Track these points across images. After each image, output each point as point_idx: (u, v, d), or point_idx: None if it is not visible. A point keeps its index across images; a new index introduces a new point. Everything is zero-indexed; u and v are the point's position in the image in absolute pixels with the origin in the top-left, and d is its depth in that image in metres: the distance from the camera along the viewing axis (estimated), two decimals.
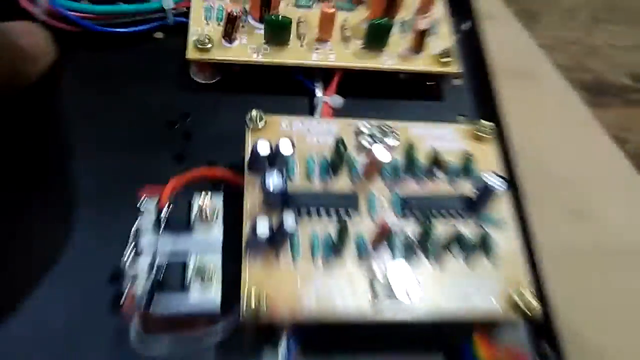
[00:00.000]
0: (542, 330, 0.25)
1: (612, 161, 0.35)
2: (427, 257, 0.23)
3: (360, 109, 0.30)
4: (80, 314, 0.23)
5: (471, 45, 0.34)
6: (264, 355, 0.22)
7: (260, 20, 0.30)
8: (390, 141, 0.25)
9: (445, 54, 0.30)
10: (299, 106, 0.30)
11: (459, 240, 0.23)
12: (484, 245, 0.23)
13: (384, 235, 0.22)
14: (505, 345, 0.23)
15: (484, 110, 0.31)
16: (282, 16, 0.28)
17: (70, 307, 0.23)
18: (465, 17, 0.35)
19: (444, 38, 0.31)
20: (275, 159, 0.23)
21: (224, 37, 0.29)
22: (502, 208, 0.25)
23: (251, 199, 0.23)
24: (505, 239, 0.24)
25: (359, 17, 0.31)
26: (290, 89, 0.30)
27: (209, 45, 0.28)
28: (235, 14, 0.28)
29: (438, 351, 0.24)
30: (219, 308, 0.22)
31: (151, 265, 0.22)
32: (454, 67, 0.30)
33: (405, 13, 0.32)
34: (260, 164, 0.24)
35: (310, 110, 0.30)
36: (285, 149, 0.23)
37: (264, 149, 0.23)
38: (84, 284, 0.23)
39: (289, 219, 0.21)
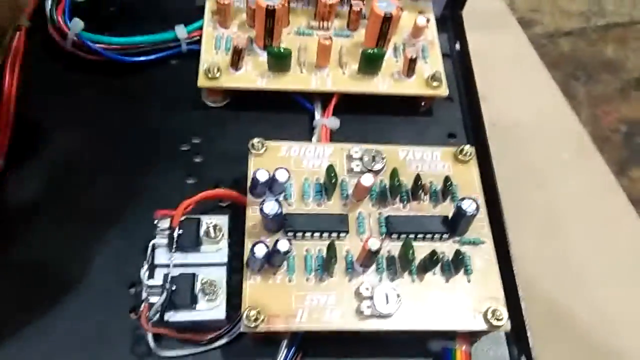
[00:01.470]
0: (518, 339, 0.27)
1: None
2: (409, 273, 0.26)
3: (355, 128, 0.33)
4: (103, 319, 0.26)
5: (462, 66, 0.36)
6: None
7: (264, 48, 0.32)
8: (377, 165, 0.28)
9: (435, 77, 0.33)
10: (299, 125, 0.33)
11: (436, 258, 0.25)
12: (461, 263, 0.26)
13: (369, 255, 0.25)
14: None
15: (472, 128, 0.34)
16: (283, 48, 0.31)
17: (94, 313, 0.26)
18: (456, 39, 0.37)
19: (434, 62, 0.34)
20: (273, 185, 0.26)
21: (230, 65, 0.32)
22: (479, 228, 0.27)
23: (252, 220, 0.26)
24: (482, 257, 0.27)
25: (355, 42, 0.34)
26: (291, 109, 0.33)
27: (218, 74, 0.31)
28: (240, 46, 0.30)
29: (425, 357, 0.27)
30: (224, 317, 0.25)
31: (165, 277, 0.25)
32: (443, 90, 0.33)
33: (398, 38, 0.34)
34: (260, 189, 0.27)
35: (310, 130, 0.33)
36: (282, 177, 0.26)
37: (262, 177, 0.26)
38: (107, 291, 0.27)
39: (284, 243, 0.24)
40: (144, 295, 0.25)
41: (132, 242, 0.28)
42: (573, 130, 0.38)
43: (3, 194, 0.29)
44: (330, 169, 0.27)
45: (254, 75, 0.32)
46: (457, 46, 0.37)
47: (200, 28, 0.34)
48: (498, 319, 0.25)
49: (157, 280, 0.25)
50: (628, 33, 0.45)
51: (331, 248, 0.25)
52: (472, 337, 0.27)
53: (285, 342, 0.26)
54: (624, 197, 0.37)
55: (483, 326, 0.25)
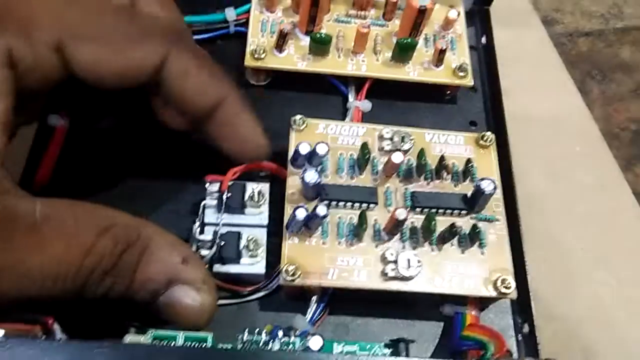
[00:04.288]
0: (522, 310, 0.30)
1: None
2: (429, 243, 0.29)
3: (384, 111, 0.36)
4: None
5: (487, 59, 0.39)
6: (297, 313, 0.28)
7: (306, 34, 0.35)
8: (406, 145, 0.31)
9: (461, 68, 0.35)
10: (333, 105, 0.36)
11: (455, 231, 0.28)
12: (476, 236, 0.29)
13: (396, 223, 0.28)
14: (483, 324, 0.28)
15: (493, 117, 0.36)
16: (325, 34, 0.34)
17: None
18: (483, 32, 0.39)
19: (461, 53, 0.36)
20: (313, 157, 0.29)
21: (275, 47, 0.35)
22: (494, 207, 0.30)
23: (291, 188, 0.30)
24: (495, 232, 0.30)
25: (389, 31, 0.37)
26: (326, 90, 0.36)
27: (263, 55, 0.34)
28: (286, 30, 0.33)
29: (438, 320, 0.30)
30: (263, 272, 0.28)
31: (215, 234, 0.28)
32: (468, 80, 0.35)
33: (428, 29, 0.37)
34: (300, 161, 0.30)
35: (344, 111, 0.36)
36: (322, 150, 0.29)
37: (304, 150, 0.29)
38: None
39: (322, 208, 0.27)
40: (194, 248, 0.28)
41: (183, 205, 0.31)
42: (586, 126, 0.41)
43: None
44: (365, 146, 0.30)
45: (295, 57, 0.35)
46: (483, 40, 0.39)
47: (247, 11, 0.36)
48: (507, 288, 0.28)
49: (207, 235, 0.28)
50: None
51: (362, 216, 0.28)
52: (481, 304, 0.30)
53: (315, 298, 0.29)
54: (629, 191, 0.40)
55: (492, 293, 0.28)
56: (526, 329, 0.30)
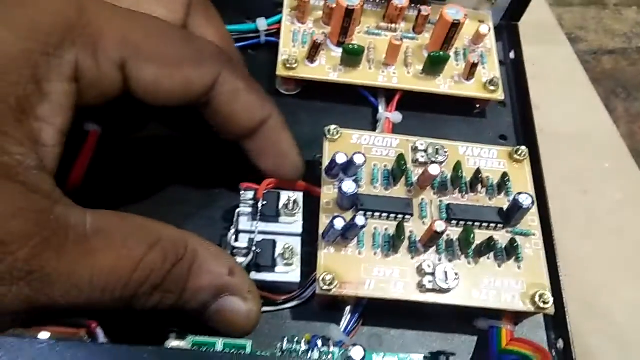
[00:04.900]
0: (556, 325, 0.30)
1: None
2: (465, 256, 0.29)
3: (414, 123, 0.36)
4: None
5: (516, 74, 0.39)
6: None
7: (338, 45, 0.35)
8: (440, 158, 0.31)
9: (492, 82, 0.35)
10: (363, 116, 0.36)
11: (492, 244, 0.28)
12: (512, 250, 0.29)
13: (434, 235, 0.27)
14: (526, 339, 0.28)
15: (523, 131, 0.37)
16: (357, 45, 0.34)
17: None
18: (511, 47, 0.40)
19: (491, 68, 0.37)
20: (349, 168, 0.29)
21: (307, 58, 0.35)
22: (529, 222, 0.30)
23: (326, 198, 0.29)
24: (531, 247, 0.29)
25: (419, 44, 0.37)
26: (356, 101, 0.36)
27: (295, 65, 0.34)
28: (319, 41, 0.33)
29: (472, 334, 0.30)
30: (298, 281, 0.28)
31: (250, 241, 0.28)
32: (499, 94, 0.36)
33: (458, 43, 0.37)
34: (336, 171, 0.29)
35: (373, 122, 0.36)
36: (359, 160, 0.29)
37: (341, 160, 0.29)
38: None
39: (360, 219, 0.27)
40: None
41: (215, 212, 0.31)
42: (614, 143, 0.41)
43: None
44: (401, 157, 0.30)
45: (327, 68, 0.35)
46: (512, 55, 0.39)
47: (278, 22, 0.37)
48: (545, 302, 0.28)
49: (242, 243, 0.28)
50: None
51: (400, 228, 0.28)
52: (516, 318, 0.30)
53: (349, 309, 0.28)
54: None
55: (530, 308, 0.28)
56: (560, 344, 0.30)
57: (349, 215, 0.29)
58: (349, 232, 0.27)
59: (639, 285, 0.36)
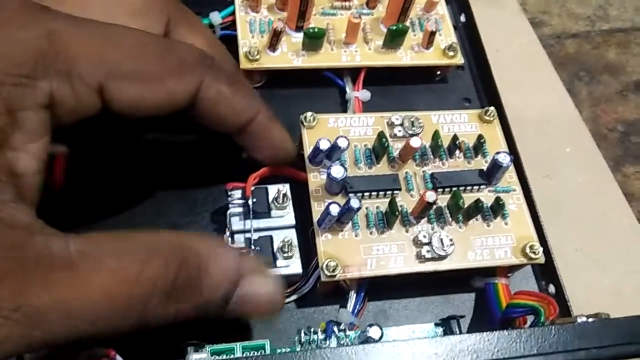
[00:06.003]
0: (545, 272, 0.32)
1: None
2: (455, 221, 0.30)
3: (381, 98, 0.36)
4: None
5: (469, 36, 0.40)
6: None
7: (296, 30, 0.35)
8: (417, 130, 0.32)
9: (451, 48, 0.36)
10: (331, 99, 0.36)
11: (480, 206, 0.29)
12: (499, 208, 0.30)
13: (426, 206, 0.28)
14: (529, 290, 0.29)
15: (486, 92, 0.38)
16: (317, 28, 0.34)
17: None
18: (460, 11, 0.41)
19: (447, 34, 0.37)
20: (332, 152, 0.29)
21: (268, 47, 0.34)
22: (508, 178, 0.31)
23: (314, 185, 0.30)
24: (514, 202, 0.31)
25: (374, 19, 0.37)
26: (321, 85, 0.36)
27: (258, 56, 0.34)
28: (280, 29, 0.33)
29: (469, 292, 0.31)
30: (301, 272, 0.28)
31: (248, 241, 0.28)
32: (458, 59, 0.36)
33: (413, 13, 0.37)
34: (320, 157, 0.30)
35: (342, 102, 0.36)
36: (343, 143, 0.29)
37: (324, 145, 0.29)
38: None
39: (355, 201, 0.27)
40: None
41: (200, 213, 0.31)
42: (576, 127, 0.43)
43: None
44: (382, 135, 0.30)
45: (289, 55, 0.35)
46: (462, 18, 0.40)
47: (232, 14, 0.36)
48: (535, 253, 0.29)
49: (239, 243, 0.28)
50: (630, 38, 0.49)
51: (393, 204, 0.28)
52: (508, 272, 0.31)
53: (353, 291, 0.29)
54: (619, 191, 0.41)
55: (523, 260, 0.29)
56: (552, 289, 0.31)
57: (339, 199, 0.29)
58: (345, 216, 0.28)
59: (599, 269, 0.37)
